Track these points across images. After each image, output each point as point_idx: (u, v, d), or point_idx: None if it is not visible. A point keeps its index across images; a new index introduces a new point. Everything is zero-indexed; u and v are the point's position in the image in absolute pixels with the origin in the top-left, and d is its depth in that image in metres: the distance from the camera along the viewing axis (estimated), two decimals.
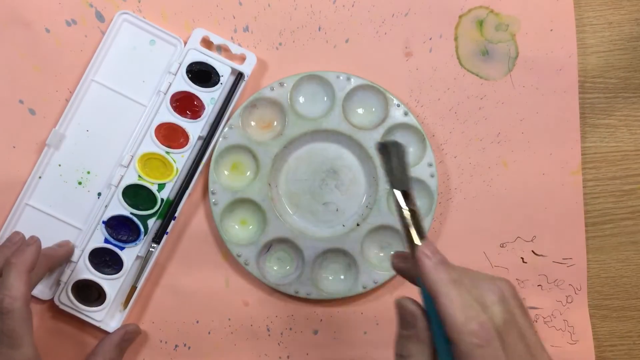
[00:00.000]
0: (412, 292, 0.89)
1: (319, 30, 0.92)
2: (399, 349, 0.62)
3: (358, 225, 0.91)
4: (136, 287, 0.88)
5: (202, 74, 0.88)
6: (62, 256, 0.87)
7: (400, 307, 0.62)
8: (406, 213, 0.64)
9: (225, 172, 0.90)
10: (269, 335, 0.92)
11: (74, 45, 0.89)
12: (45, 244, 0.85)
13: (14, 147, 0.89)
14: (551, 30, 0.92)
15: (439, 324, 0.59)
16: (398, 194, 0.65)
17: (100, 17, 0.89)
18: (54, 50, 0.89)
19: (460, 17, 0.92)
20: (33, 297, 0.88)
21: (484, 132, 0.93)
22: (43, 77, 0.89)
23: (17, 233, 0.85)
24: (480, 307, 0.59)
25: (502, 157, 0.93)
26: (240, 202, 0.90)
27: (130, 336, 0.88)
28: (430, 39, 0.92)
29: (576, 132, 0.93)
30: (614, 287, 0.95)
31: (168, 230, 0.88)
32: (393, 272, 0.89)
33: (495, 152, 0.93)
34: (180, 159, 0.88)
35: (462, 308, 0.58)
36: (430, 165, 0.90)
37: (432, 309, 0.60)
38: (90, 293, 0.88)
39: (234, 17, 0.91)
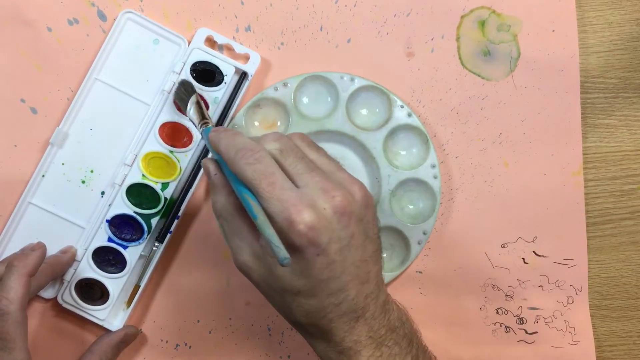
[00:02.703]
0: (409, 295, 0.90)
1: (321, 30, 0.92)
2: (211, 201, 0.71)
3: None
4: (139, 286, 0.88)
5: (206, 73, 0.88)
6: (65, 263, 0.87)
7: (202, 165, 0.72)
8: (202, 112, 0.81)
9: None
10: (270, 335, 0.92)
11: (76, 44, 0.89)
12: (49, 242, 0.86)
13: (15, 145, 0.89)
14: (553, 30, 0.93)
15: (224, 164, 0.69)
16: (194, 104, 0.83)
17: (102, 16, 0.89)
18: (55, 49, 0.89)
19: (462, 17, 0.92)
20: (37, 296, 0.87)
21: (485, 132, 0.93)
22: (45, 76, 0.89)
23: (31, 245, 0.86)
24: (254, 144, 0.68)
25: (503, 157, 0.93)
26: None
27: (129, 338, 0.89)
28: (432, 39, 0.92)
29: (577, 133, 0.93)
30: (614, 287, 0.95)
31: (171, 229, 0.88)
32: (395, 273, 0.90)
33: (496, 153, 0.93)
34: (184, 158, 0.88)
35: (234, 145, 0.68)
36: (433, 166, 0.90)
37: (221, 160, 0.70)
38: (93, 292, 0.88)
39: (236, 17, 0.91)
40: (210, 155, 0.84)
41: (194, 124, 0.81)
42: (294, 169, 0.68)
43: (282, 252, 0.61)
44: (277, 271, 0.67)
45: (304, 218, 0.63)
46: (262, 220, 0.63)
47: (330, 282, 0.67)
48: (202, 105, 0.83)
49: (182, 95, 0.85)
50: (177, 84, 0.87)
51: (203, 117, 0.80)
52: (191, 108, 0.82)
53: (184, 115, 0.87)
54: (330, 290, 0.67)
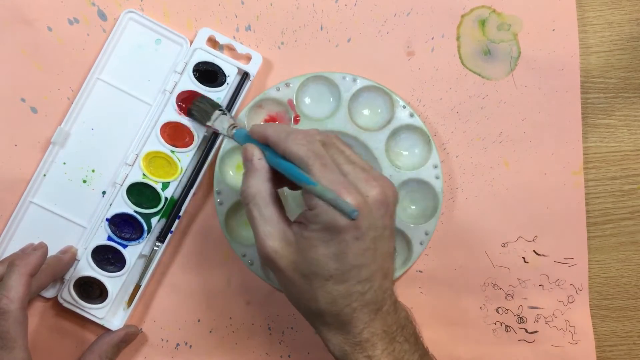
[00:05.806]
0: (410, 294, 0.89)
1: (321, 29, 0.92)
2: (242, 188, 0.73)
3: None
4: (140, 286, 0.88)
5: (208, 73, 0.88)
6: (66, 263, 0.87)
7: (243, 149, 0.74)
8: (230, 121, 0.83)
9: (231, 172, 0.90)
10: (270, 334, 0.92)
11: (76, 43, 0.89)
12: (50, 241, 0.85)
13: (16, 145, 0.89)
14: (553, 30, 0.93)
15: (269, 151, 0.72)
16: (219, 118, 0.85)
17: (102, 15, 0.89)
18: (56, 48, 0.89)
19: (462, 16, 0.92)
20: (37, 295, 0.87)
21: (485, 131, 0.93)
22: (45, 76, 0.89)
23: (31, 244, 0.87)
24: (304, 129, 0.72)
25: (503, 156, 0.93)
26: None
27: (130, 337, 0.89)
28: (432, 38, 0.92)
29: (578, 132, 0.93)
30: (614, 287, 0.95)
31: (172, 229, 0.88)
32: (397, 274, 0.90)
33: (497, 152, 0.93)
34: (185, 158, 0.88)
35: (284, 129, 0.71)
36: (435, 167, 0.90)
37: (264, 146, 0.73)
38: (92, 290, 0.88)
39: (236, 17, 0.91)
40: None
41: (218, 132, 0.86)
42: (337, 159, 0.70)
43: (351, 205, 0.65)
44: (311, 254, 0.68)
45: (351, 200, 0.65)
46: (321, 186, 0.66)
47: (361, 269, 0.68)
48: (230, 113, 0.88)
49: (206, 108, 0.87)
50: (199, 101, 0.87)
51: (233, 121, 0.83)
52: (218, 118, 0.85)
53: (186, 116, 0.87)
54: (359, 278, 0.68)
